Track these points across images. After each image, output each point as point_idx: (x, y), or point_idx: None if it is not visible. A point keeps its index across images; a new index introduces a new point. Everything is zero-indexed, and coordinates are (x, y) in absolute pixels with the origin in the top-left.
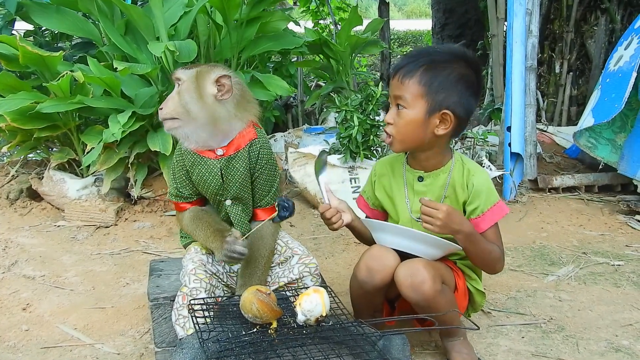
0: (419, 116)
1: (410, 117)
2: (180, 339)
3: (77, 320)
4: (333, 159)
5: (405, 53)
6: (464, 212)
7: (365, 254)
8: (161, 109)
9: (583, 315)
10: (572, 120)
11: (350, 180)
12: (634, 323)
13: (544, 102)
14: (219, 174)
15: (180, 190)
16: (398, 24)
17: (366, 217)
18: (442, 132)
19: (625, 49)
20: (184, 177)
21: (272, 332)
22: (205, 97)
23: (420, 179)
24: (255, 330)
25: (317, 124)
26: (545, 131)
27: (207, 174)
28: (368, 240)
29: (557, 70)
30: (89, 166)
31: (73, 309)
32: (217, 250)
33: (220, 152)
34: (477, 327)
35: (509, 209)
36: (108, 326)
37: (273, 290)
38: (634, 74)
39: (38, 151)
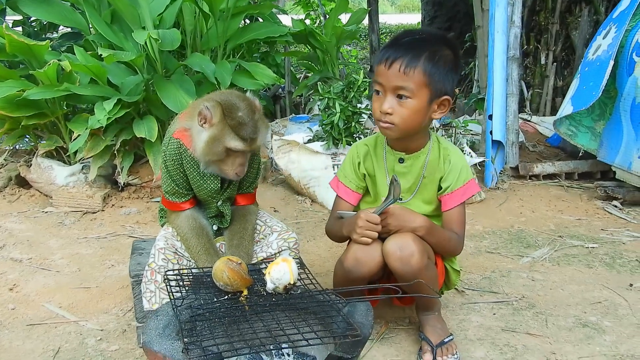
0: (423, 104)
1: (416, 106)
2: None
3: (62, 299)
4: (316, 145)
5: (391, 39)
6: (439, 188)
7: (354, 244)
8: None
9: (554, 294)
10: (557, 111)
11: (333, 167)
12: (603, 301)
13: (528, 93)
14: (219, 178)
15: (178, 187)
16: (390, 18)
17: (338, 199)
18: (439, 115)
19: (603, 38)
20: (181, 174)
21: (243, 299)
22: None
23: (401, 160)
24: (226, 297)
25: (305, 114)
26: (529, 121)
27: (205, 178)
28: (339, 237)
29: (543, 62)
30: (76, 153)
31: (58, 289)
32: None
33: None
34: (439, 296)
35: (479, 188)
36: (92, 305)
37: (251, 264)
38: (611, 62)
39: (26, 139)
